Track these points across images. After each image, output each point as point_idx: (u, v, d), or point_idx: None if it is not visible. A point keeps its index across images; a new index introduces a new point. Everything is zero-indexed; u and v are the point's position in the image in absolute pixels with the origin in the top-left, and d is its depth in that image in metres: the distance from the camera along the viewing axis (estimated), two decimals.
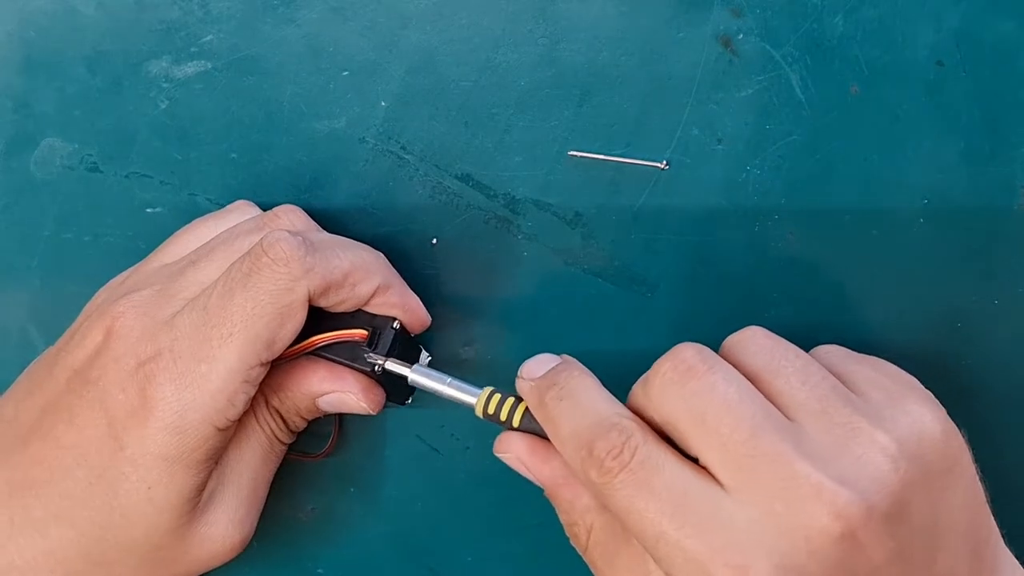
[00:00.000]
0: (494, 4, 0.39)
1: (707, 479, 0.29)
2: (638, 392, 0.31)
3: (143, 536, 0.33)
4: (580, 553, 0.33)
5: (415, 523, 0.41)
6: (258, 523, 0.36)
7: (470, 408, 0.34)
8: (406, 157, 0.40)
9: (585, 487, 0.32)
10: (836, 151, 0.38)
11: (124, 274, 0.37)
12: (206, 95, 0.40)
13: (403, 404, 0.39)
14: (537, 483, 0.34)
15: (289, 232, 0.34)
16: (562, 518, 0.33)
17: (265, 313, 0.33)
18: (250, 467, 0.35)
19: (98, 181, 0.41)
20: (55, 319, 0.37)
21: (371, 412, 0.36)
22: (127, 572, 0.34)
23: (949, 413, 0.31)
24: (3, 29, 0.40)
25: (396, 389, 0.37)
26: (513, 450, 0.34)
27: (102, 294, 0.37)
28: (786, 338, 0.32)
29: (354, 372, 0.36)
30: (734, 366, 0.31)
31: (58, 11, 0.40)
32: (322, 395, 0.36)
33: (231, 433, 0.34)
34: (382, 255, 0.37)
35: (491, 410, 0.34)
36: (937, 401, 0.31)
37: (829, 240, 0.38)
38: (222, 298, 0.33)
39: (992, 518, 0.32)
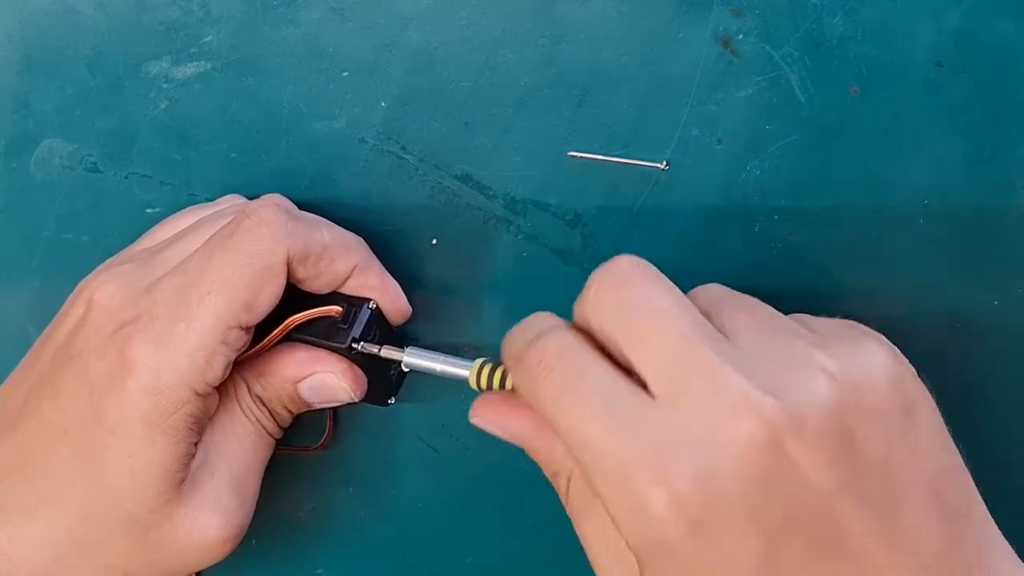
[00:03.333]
0: (494, 4, 0.39)
1: (637, 388, 0.28)
2: (576, 307, 0.31)
3: (130, 512, 0.33)
4: (564, 506, 0.32)
5: (414, 523, 0.41)
6: (257, 523, 0.36)
7: (465, 381, 0.34)
8: (406, 157, 0.40)
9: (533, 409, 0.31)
10: (836, 151, 0.38)
11: (109, 260, 0.37)
12: (206, 96, 0.40)
13: (385, 405, 0.39)
14: (512, 440, 0.33)
15: (273, 203, 0.35)
16: (545, 471, 0.33)
17: (245, 273, 0.33)
18: (239, 457, 0.35)
19: (98, 181, 0.41)
20: None
21: (354, 397, 0.36)
22: (117, 557, 0.33)
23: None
24: (3, 29, 0.40)
25: (376, 388, 0.37)
26: (481, 413, 0.33)
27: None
28: None
29: (333, 353, 0.36)
30: None
31: (58, 11, 0.40)
32: (302, 378, 0.36)
33: (211, 405, 0.34)
34: (363, 241, 0.37)
35: (483, 381, 0.34)
36: (899, 352, 0.30)
37: (829, 240, 0.38)
38: (201, 260, 0.33)
39: (977, 494, 0.30)
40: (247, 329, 0.34)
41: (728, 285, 0.38)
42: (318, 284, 0.36)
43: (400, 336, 0.38)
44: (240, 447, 0.35)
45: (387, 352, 0.36)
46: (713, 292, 0.32)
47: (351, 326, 0.36)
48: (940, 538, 0.28)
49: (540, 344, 0.29)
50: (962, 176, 0.38)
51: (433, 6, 0.39)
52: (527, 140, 0.39)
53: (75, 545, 0.33)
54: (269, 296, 0.34)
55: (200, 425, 0.34)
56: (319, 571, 0.41)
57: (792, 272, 0.38)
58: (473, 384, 0.34)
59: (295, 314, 0.35)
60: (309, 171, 0.40)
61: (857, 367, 0.28)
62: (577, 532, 0.32)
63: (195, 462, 0.34)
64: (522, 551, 0.40)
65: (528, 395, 0.30)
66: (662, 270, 0.39)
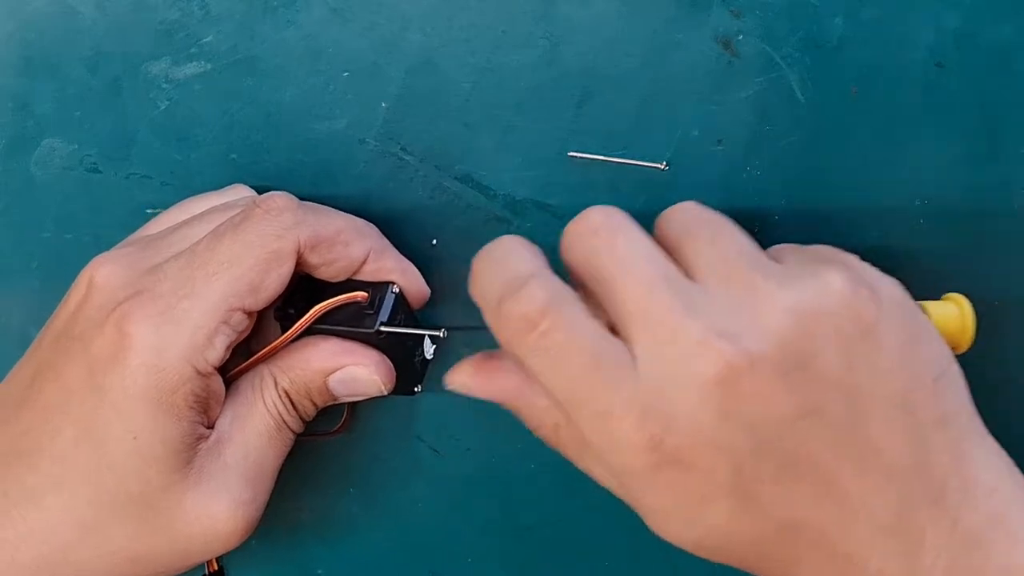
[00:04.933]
0: (494, 4, 0.39)
1: (617, 341, 0.30)
2: (561, 248, 0.32)
3: (135, 493, 0.32)
4: (554, 448, 0.33)
5: (415, 524, 0.41)
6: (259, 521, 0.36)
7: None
8: (406, 158, 0.40)
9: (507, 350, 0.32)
10: (836, 151, 0.38)
11: (114, 247, 0.37)
12: (206, 96, 0.40)
13: (412, 394, 0.38)
14: (492, 400, 0.33)
15: (283, 193, 0.35)
16: (527, 425, 0.33)
17: (252, 255, 0.33)
18: (256, 449, 0.35)
19: (98, 182, 0.41)
20: None
21: (384, 390, 0.36)
22: (123, 541, 0.33)
23: None
24: (3, 29, 0.40)
25: (404, 377, 0.37)
26: (458, 380, 0.34)
27: None
28: None
29: (364, 345, 0.36)
30: (661, 237, 0.32)
31: (58, 12, 0.40)
32: (332, 371, 0.36)
33: (216, 387, 0.34)
34: (375, 226, 0.37)
35: None
36: (863, 271, 0.31)
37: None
38: (210, 242, 0.34)
39: (963, 406, 0.31)
40: (250, 314, 0.34)
41: None
42: (334, 270, 0.36)
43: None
44: (258, 440, 0.35)
45: (427, 331, 0.36)
46: (683, 217, 0.33)
47: (377, 311, 0.35)
48: (909, 450, 0.30)
49: (525, 296, 0.30)
50: (962, 176, 0.38)
51: (433, 6, 0.39)
52: (527, 140, 0.39)
53: (81, 531, 0.33)
54: (276, 280, 0.34)
55: (204, 405, 0.33)
56: (319, 571, 0.41)
57: None
58: None
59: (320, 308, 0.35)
60: (309, 171, 0.40)
61: (814, 298, 0.30)
62: (578, 467, 0.33)
63: (205, 445, 0.34)
64: (522, 551, 0.40)
65: (512, 349, 0.31)
66: None
